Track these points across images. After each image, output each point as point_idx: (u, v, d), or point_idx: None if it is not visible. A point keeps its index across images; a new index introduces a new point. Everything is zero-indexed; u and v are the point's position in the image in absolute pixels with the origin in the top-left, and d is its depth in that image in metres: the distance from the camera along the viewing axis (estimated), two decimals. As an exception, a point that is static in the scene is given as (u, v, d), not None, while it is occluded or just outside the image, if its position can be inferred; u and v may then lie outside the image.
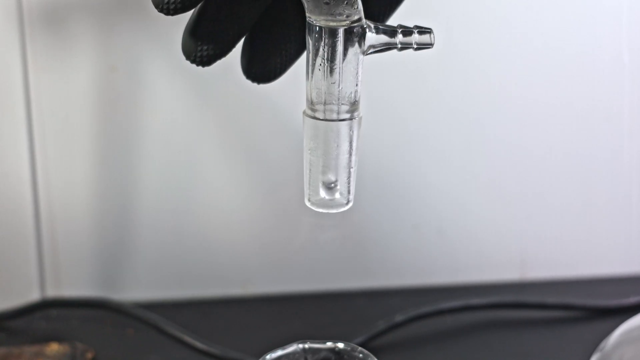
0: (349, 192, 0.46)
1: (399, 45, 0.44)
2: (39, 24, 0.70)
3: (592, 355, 0.58)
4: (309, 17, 0.43)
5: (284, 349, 0.48)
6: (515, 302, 0.72)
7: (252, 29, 0.45)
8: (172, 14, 0.42)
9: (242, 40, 0.46)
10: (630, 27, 0.74)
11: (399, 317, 0.69)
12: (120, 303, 0.72)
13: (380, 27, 0.44)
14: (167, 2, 0.41)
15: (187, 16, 0.44)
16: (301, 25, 0.43)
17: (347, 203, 0.46)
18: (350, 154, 0.45)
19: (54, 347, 0.67)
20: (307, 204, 0.46)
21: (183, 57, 0.72)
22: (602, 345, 0.58)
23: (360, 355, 0.48)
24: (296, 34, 0.46)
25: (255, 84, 0.47)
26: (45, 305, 0.72)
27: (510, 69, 0.74)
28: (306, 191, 0.46)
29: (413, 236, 0.77)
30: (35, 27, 0.70)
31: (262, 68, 0.46)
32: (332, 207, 0.46)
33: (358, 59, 0.43)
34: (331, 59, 0.43)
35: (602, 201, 0.78)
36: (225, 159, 0.74)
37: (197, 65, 0.45)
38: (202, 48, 0.44)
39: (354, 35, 0.43)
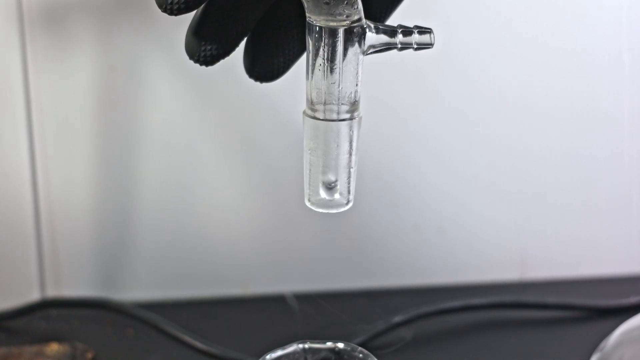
0: (349, 192, 0.46)
1: (399, 45, 0.44)
2: (39, 24, 0.70)
3: (592, 355, 0.58)
4: (309, 17, 0.43)
5: (284, 349, 0.48)
6: (515, 302, 0.72)
7: (255, 28, 0.45)
8: (176, 14, 0.42)
9: (245, 39, 0.46)
10: (630, 27, 0.74)
11: (398, 317, 0.69)
12: (120, 303, 0.72)
13: (380, 27, 0.44)
14: (171, 2, 0.41)
15: (188, 16, 0.44)
16: (304, 25, 0.43)
17: (347, 203, 0.46)
18: (350, 154, 0.45)
19: (54, 347, 0.67)
20: (307, 204, 0.46)
21: (183, 57, 0.72)
22: (602, 345, 0.58)
23: (360, 355, 0.48)
24: (299, 33, 0.46)
25: (257, 83, 0.47)
26: (45, 305, 0.72)
27: (510, 69, 0.74)
28: (306, 191, 0.46)
29: (413, 236, 0.77)
30: (35, 27, 0.70)
31: (264, 67, 0.46)
32: (332, 207, 0.46)
33: (358, 59, 0.43)
34: (331, 59, 0.43)
35: (602, 201, 0.78)
36: (225, 159, 0.74)
37: (201, 65, 0.45)
38: (206, 48, 0.44)
39: (354, 35, 0.43)
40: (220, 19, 0.44)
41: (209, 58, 0.44)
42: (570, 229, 0.78)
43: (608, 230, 0.78)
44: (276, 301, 0.75)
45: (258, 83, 0.47)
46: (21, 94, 0.71)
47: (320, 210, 0.46)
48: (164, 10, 0.42)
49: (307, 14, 0.43)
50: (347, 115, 0.44)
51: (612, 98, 0.76)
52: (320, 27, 0.43)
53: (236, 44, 0.45)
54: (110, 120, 0.72)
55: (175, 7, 0.41)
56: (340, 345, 0.49)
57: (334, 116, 0.44)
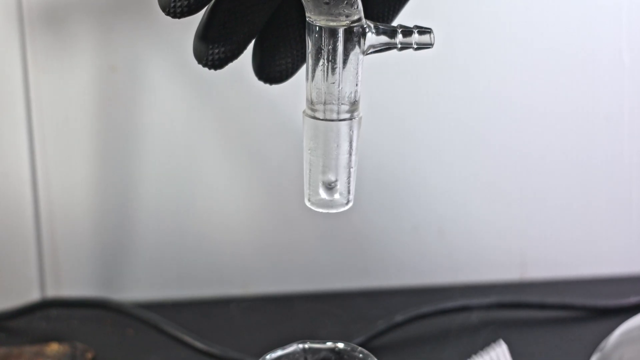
0: (349, 192, 0.46)
1: (399, 46, 0.44)
2: (39, 24, 0.70)
3: (592, 355, 0.58)
4: (309, 17, 0.43)
5: (284, 349, 0.48)
6: (515, 302, 0.72)
7: (262, 30, 0.45)
8: (179, 17, 0.42)
9: (253, 41, 0.46)
10: (630, 27, 0.74)
11: (399, 317, 0.70)
12: (120, 303, 0.72)
13: (380, 27, 0.44)
14: (174, 6, 0.41)
15: (192, 18, 0.44)
16: None
17: (347, 203, 0.46)
18: (350, 154, 0.45)
19: (54, 347, 0.67)
20: (307, 204, 0.46)
21: (183, 57, 0.72)
22: (602, 345, 0.58)
23: (360, 355, 0.48)
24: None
25: (260, 83, 0.47)
26: (45, 305, 0.72)
27: (510, 69, 0.74)
28: (306, 191, 0.46)
29: (413, 236, 0.77)
30: (35, 27, 0.70)
31: (273, 69, 0.46)
32: (332, 207, 0.46)
33: (358, 59, 0.43)
34: (331, 59, 0.43)
35: (602, 201, 0.78)
36: (225, 159, 0.74)
37: (210, 68, 0.45)
38: (214, 52, 0.44)
39: (353, 35, 0.43)
40: (226, 22, 0.44)
41: (217, 62, 0.44)
42: (570, 229, 0.78)
43: (608, 230, 0.78)
44: (276, 301, 0.75)
45: (262, 84, 0.47)
46: (21, 94, 0.71)
47: (320, 210, 0.46)
48: (167, 14, 0.42)
49: (307, 14, 0.43)
50: (347, 115, 0.44)
51: (612, 98, 0.76)
52: (320, 27, 0.43)
53: (244, 47, 0.45)
54: (110, 120, 0.72)
55: (179, 10, 0.42)
56: (340, 345, 0.49)
57: (334, 116, 0.44)
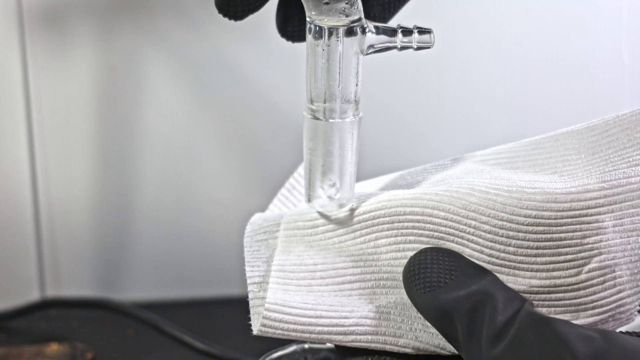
0: (348, 192, 0.46)
1: (399, 46, 0.44)
2: (39, 24, 0.70)
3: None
4: (309, 17, 0.43)
5: (284, 349, 0.48)
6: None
7: None
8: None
9: None
10: (630, 27, 0.74)
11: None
12: (120, 303, 0.72)
13: (380, 27, 0.43)
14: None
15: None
16: None
17: (347, 203, 0.46)
18: (350, 154, 0.45)
19: (54, 347, 0.67)
20: (307, 204, 0.47)
21: (184, 57, 0.72)
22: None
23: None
24: None
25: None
26: (45, 305, 0.72)
27: (510, 69, 0.74)
28: (306, 191, 0.46)
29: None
30: (35, 27, 0.70)
31: (297, 27, 0.45)
32: (332, 207, 0.46)
33: (358, 58, 0.43)
34: (331, 58, 0.43)
35: (602, 201, 0.77)
36: (225, 159, 0.74)
37: (230, 19, 0.44)
38: (236, 2, 0.43)
39: (353, 35, 0.43)
40: None
41: (239, 12, 0.44)
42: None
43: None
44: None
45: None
46: (21, 94, 0.71)
47: (321, 210, 0.46)
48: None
49: (307, 14, 0.43)
50: (347, 115, 0.44)
51: (612, 98, 0.76)
52: (321, 27, 0.43)
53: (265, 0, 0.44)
54: (110, 120, 0.72)
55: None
56: (340, 345, 0.48)
57: (334, 116, 0.44)
